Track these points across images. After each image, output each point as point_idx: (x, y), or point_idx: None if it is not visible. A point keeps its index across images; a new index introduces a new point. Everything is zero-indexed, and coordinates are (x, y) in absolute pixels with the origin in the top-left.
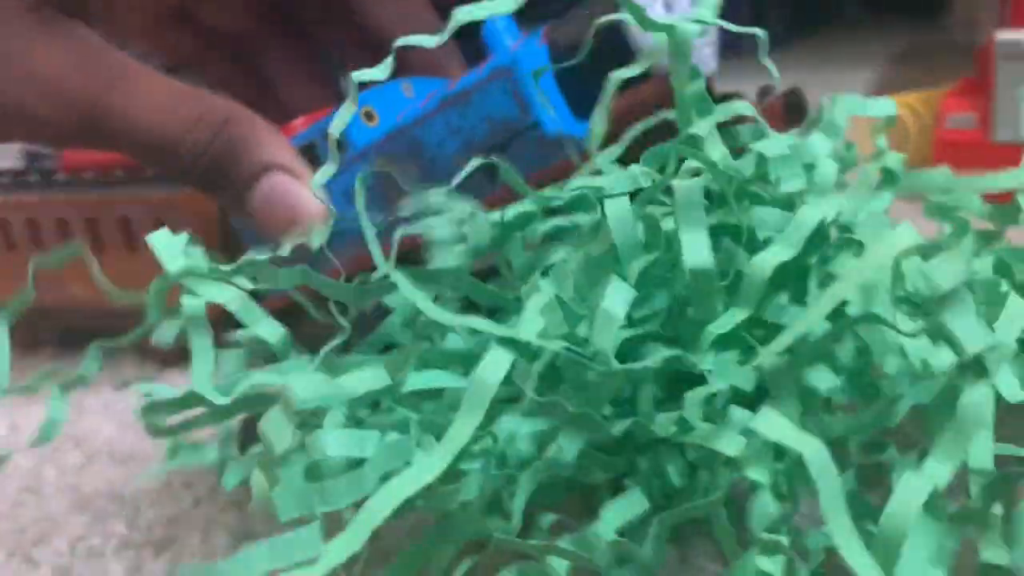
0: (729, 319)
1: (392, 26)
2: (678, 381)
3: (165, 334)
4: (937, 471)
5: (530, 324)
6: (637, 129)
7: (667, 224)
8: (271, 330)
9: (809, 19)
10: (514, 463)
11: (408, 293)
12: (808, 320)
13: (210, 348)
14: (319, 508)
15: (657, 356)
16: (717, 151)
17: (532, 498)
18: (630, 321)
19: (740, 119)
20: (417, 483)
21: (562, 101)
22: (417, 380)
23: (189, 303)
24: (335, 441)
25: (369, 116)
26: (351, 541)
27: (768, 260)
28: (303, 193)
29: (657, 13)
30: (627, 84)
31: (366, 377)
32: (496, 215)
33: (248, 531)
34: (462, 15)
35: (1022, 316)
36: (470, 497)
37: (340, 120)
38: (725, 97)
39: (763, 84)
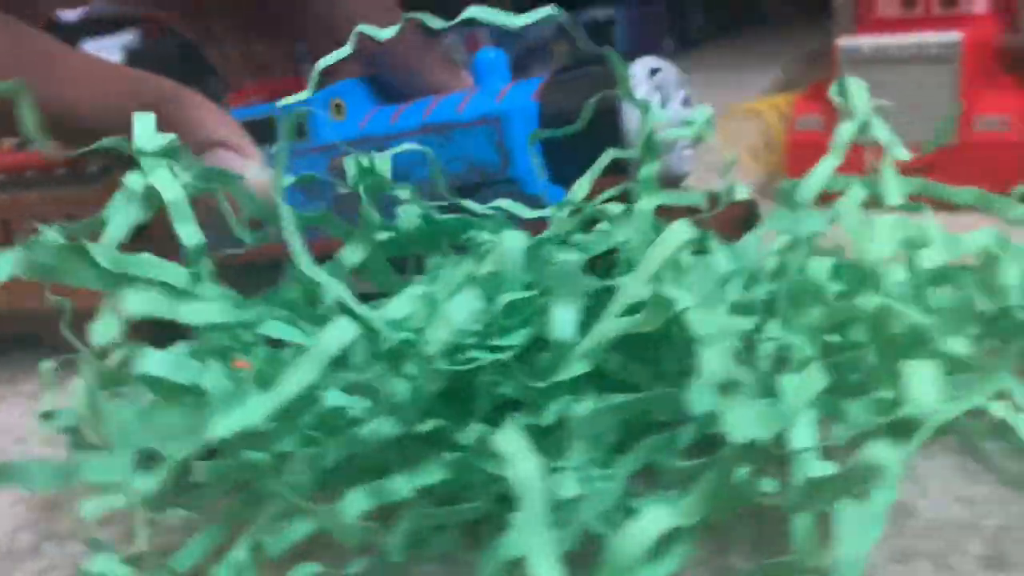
0: (572, 371)
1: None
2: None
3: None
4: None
5: (391, 311)
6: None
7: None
8: (190, 233)
9: (731, 18)
10: (328, 431)
11: (304, 268)
12: (605, 326)
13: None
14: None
15: (481, 360)
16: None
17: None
18: (486, 345)
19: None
20: (242, 421)
21: (543, 161)
22: (266, 327)
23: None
24: (160, 362)
25: (338, 109)
26: (160, 474)
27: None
28: (247, 169)
29: (643, 92)
30: (615, 164)
31: (211, 309)
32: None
33: None
34: (473, 10)
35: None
36: (286, 449)
37: (295, 98)
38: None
39: (712, 190)
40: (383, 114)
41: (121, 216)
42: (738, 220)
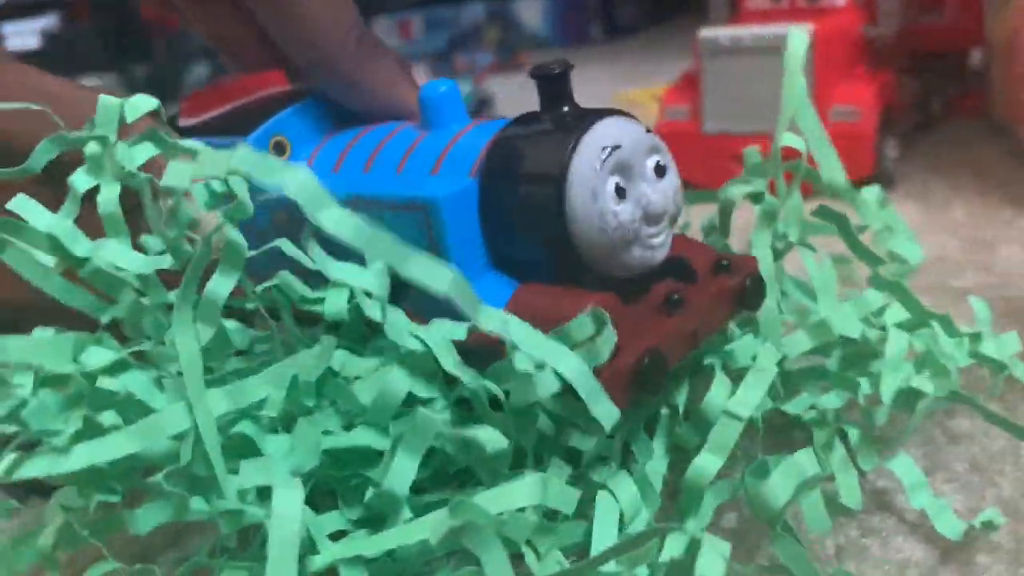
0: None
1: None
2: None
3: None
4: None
5: (249, 386)
6: None
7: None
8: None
9: (662, 6)
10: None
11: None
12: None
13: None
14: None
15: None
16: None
17: None
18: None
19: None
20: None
21: (481, 245)
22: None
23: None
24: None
25: (280, 148)
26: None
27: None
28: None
29: (609, 192)
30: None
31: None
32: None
33: None
34: None
35: None
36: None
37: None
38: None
39: (718, 256)
40: (326, 158)
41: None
42: (742, 294)
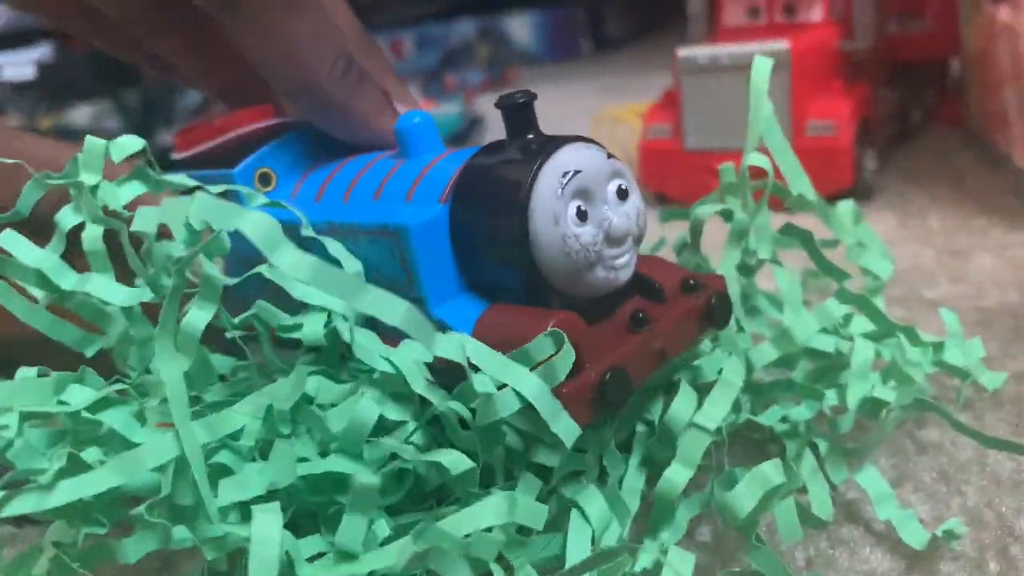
0: None
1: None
2: None
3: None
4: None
5: (226, 417)
6: None
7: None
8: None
9: (649, 20)
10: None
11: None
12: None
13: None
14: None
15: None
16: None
17: None
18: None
19: None
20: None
21: (453, 268)
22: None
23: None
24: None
25: (266, 179)
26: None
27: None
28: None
29: (570, 216)
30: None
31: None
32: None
33: None
34: None
35: None
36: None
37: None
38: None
39: (685, 275)
40: (309, 188)
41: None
42: (708, 311)
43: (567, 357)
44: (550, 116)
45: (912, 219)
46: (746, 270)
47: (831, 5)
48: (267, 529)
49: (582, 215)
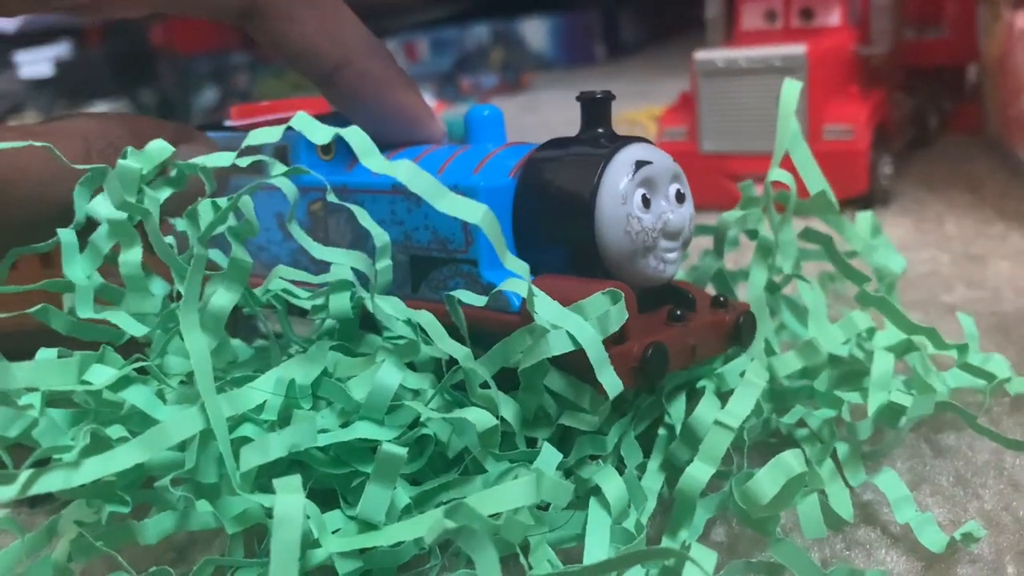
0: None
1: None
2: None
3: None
4: None
5: (244, 394)
6: None
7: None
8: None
9: (664, 25)
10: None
11: None
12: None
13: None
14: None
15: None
16: None
17: None
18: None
19: None
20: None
21: (511, 245)
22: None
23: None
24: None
25: (326, 148)
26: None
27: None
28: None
29: (636, 200)
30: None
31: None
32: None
33: None
34: None
35: None
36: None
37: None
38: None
39: (716, 295)
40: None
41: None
42: (735, 328)
43: (621, 312)
44: (566, 121)
45: (928, 224)
46: (772, 287)
47: (849, 9)
48: (289, 508)
49: (646, 202)
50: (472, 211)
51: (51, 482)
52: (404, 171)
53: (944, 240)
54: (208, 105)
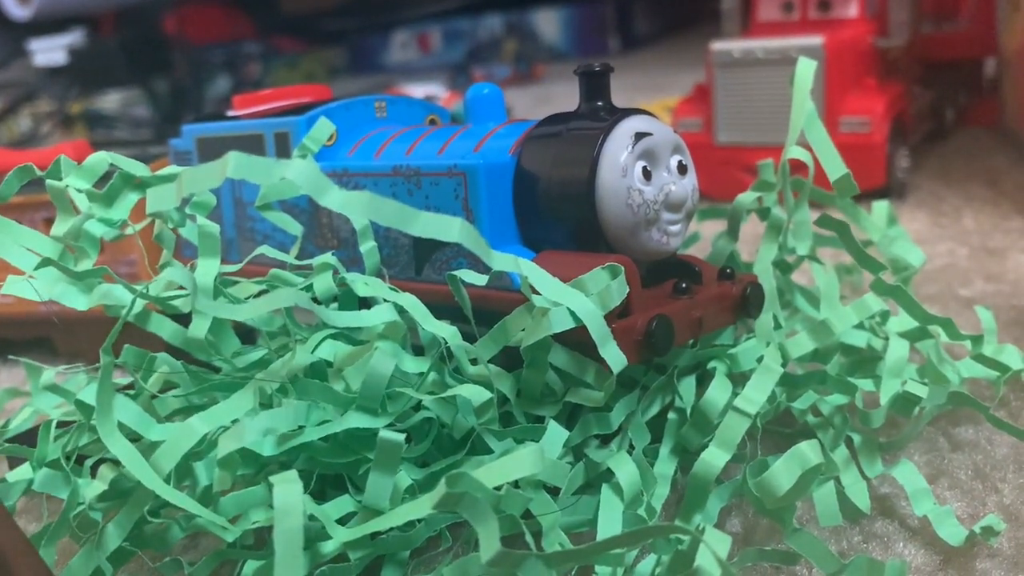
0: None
1: None
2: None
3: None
4: None
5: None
6: None
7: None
8: None
9: (677, 17)
10: None
11: None
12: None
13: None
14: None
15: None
16: None
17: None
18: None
19: None
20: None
21: (511, 219)
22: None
23: None
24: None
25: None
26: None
27: None
28: None
29: (636, 172)
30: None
31: None
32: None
33: None
34: None
35: None
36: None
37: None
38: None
39: (727, 266)
40: (371, 144)
41: None
42: (742, 299)
43: (621, 286)
44: None
45: (946, 218)
46: (784, 266)
47: (866, 1)
48: (288, 499)
49: (646, 174)
50: (448, 228)
51: None
52: (365, 205)
53: (962, 234)
54: (220, 94)
